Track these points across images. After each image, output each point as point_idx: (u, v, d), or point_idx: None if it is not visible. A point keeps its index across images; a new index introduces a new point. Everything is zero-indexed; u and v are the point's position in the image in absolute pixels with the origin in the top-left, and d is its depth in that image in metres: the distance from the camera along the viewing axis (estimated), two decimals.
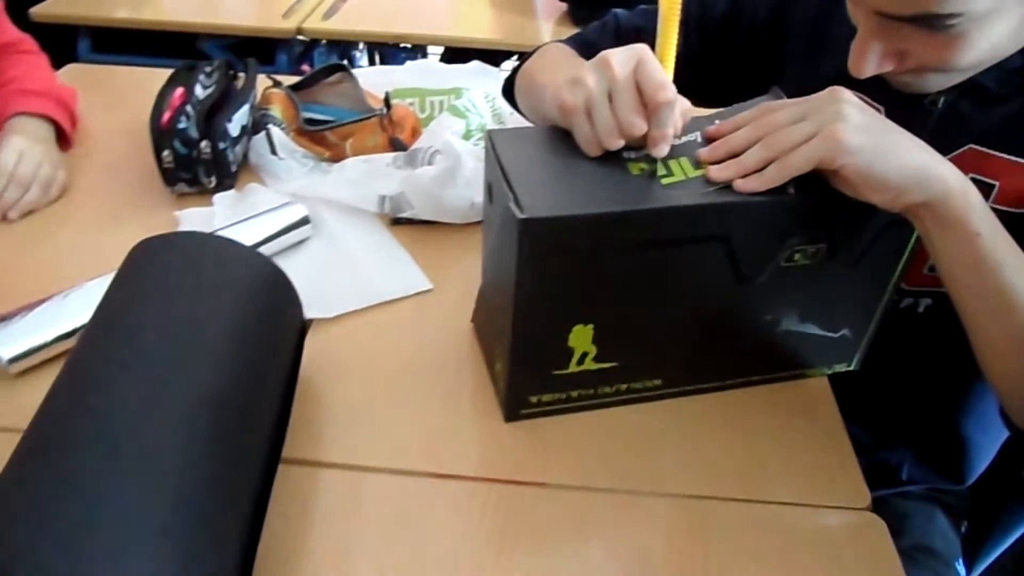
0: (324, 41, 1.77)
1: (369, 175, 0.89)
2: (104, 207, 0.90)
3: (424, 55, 2.11)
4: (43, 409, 0.48)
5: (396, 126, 0.95)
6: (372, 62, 2.13)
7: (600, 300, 0.59)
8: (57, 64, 1.13)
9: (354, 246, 0.82)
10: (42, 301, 0.69)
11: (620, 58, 0.56)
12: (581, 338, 0.60)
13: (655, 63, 0.56)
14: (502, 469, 0.61)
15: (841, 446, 0.65)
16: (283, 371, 0.57)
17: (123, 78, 1.21)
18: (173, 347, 0.50)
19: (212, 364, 0.50)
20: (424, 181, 0.81)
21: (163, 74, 1.11)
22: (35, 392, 0.66)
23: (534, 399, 0.64)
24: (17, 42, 1.07)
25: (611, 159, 0.58)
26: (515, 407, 0.64)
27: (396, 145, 0.94)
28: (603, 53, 0.57)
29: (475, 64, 1.16)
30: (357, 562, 0.54)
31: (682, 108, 0.57)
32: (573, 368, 0.62)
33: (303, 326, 0.62)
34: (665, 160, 0.57)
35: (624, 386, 0.65)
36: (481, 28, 1.69)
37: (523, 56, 0.88)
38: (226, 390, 0.50)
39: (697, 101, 0.64)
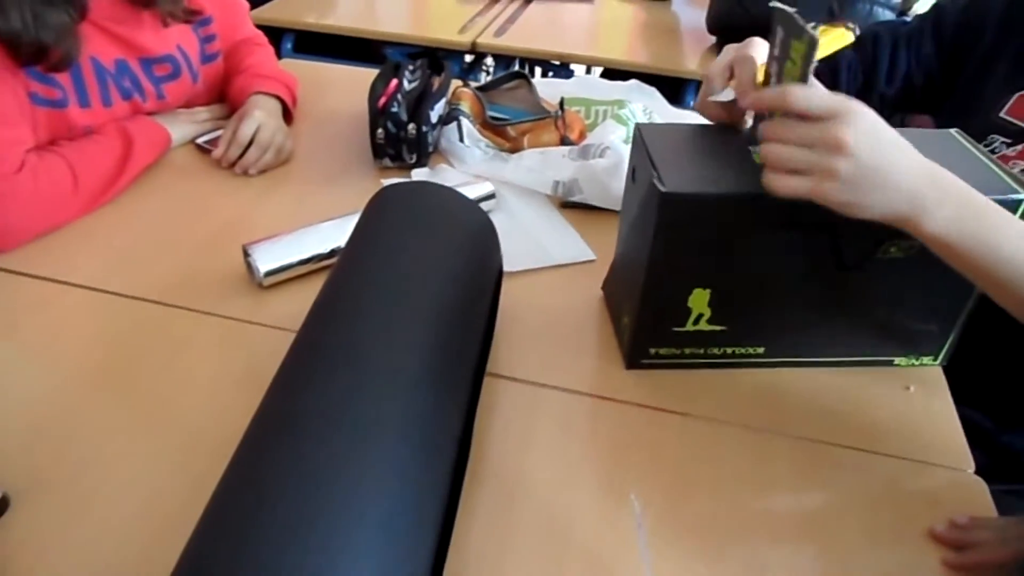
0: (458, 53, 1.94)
1: (545, 164, 1.04)
2: (321, 172, 1.08)
3: (570, 73, 2.28)
4: (320, 307, 0.62)
5: (567, 127, 1.10)
6: None
7: (718, 268, 0.70)
8: None
9: (531, 219, 0.97)
10: (288, 233, 0.87)
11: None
12: (699, 300, 0.71)
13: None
14: (651, 399, 0.74)
15: (949, 418, 0.74)
16: (491, 298, 0.71)
17: (324, 73, 1.43)
18: (422, 269, 0.64)
19: (449, 284, 0.63)
20: (596, 171, 0.95)
21: (356, 71, 1.34)
22: (278, 299, 0.85)
23: (653, 351, 0.76)
24: (254, 36, 1.29)
25: (739, 151, 0.69)
26: (636, 356, 0.76)
27: (566, 143, 1.09)
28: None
29: (633, 82, 1.29)
30: (531, 453, 0.68)
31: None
32: (689, 327, 0.73)
33: (501, 269, 0.77)
34: None
35: (731, 350, 0.76)
36: (623, 51, 1.87)
37: None
38: (458, 308, 0.63)
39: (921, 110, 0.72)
